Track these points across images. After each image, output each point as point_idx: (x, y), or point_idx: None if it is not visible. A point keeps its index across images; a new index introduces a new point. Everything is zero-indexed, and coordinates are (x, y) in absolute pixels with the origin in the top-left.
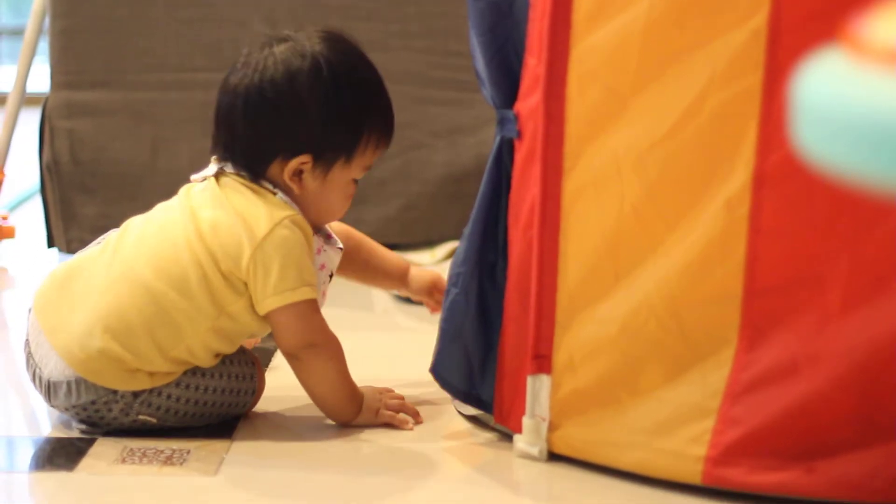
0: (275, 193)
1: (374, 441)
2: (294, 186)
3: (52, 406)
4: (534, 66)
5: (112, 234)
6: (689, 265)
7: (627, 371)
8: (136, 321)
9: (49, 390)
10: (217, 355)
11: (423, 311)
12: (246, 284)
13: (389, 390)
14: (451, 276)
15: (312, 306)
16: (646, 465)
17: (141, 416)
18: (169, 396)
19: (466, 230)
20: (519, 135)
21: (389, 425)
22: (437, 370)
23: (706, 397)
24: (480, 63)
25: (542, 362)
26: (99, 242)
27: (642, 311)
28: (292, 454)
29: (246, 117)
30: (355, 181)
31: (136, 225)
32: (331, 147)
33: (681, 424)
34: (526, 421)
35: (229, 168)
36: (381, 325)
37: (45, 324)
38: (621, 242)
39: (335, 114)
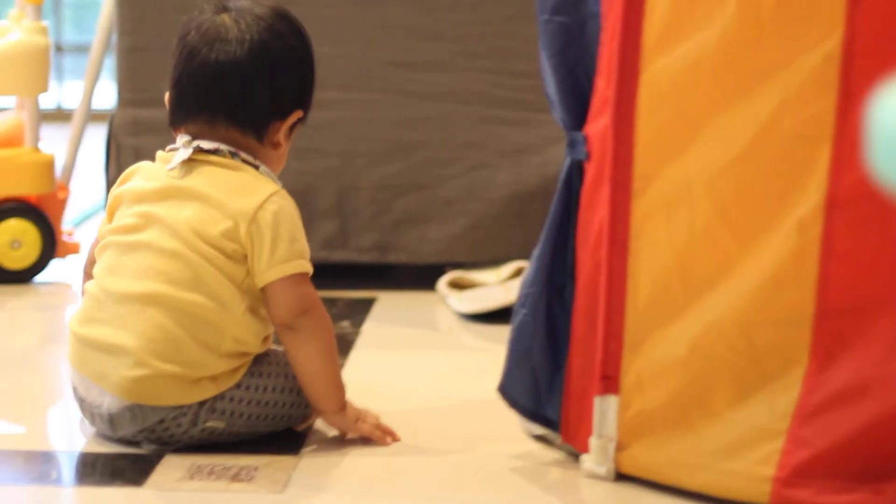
0: (257, 167)
1: (442, 458)
2: (284, 144)
3: (119, 437)
4: (603, 88)
5: (99, 269)
6: (761, 287)
7: (696, 392)
8: (180, 335)
9: (112, 423)
10: (265, 338)
11: (488, 330)
12: (246, 258)
13: (367, 411)
14: (519, 297)
15: (305, 278)
16: (714, 486)
17: (209, 424)
18: (231, 399)
19: (535, 251)
20: (588, 157)
21: (367, 439)
22: (506, 389)
23: (775, 419)
24: (551, 85)
25: (610, 383)
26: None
27: (712, 332)
28: (359, 472)
29: (253, 80)
30: None
31: (123, 249)
32: (308, 102)
33: (749, 445)
34: (593, 441)
35: (205, 144)
36: (446, 344)
37: (90, 374)
38: (692, 264)
39: (310, 68)
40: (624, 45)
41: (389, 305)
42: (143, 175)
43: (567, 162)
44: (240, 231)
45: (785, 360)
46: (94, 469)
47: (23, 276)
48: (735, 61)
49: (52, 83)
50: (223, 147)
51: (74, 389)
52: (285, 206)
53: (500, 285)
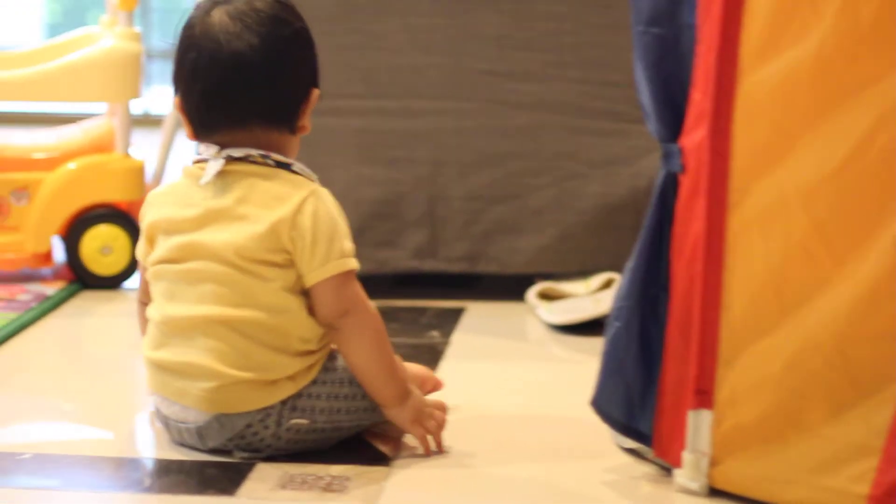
0: (289, 165)
1: (534, 471)
2: (308, 125)
3: (209, 449)
4: (699, 100)
5: (157, 290)
6: (857, 302)
7: (791, 407)
8: (248, 345)
9: (201, 436)
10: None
11: (578, 341)
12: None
13: (441, 405)
14: (613, 310)
15: (347, 277)
16: (807, 502)
17: (293, 421)
18: (310, 395)
19: (629, 263)
20: (683, 169)
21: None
22: (598, 403)
23: (870, 435)
24: (646, 96)
25: (704, 397)
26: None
27: (808, 347)
28: (450, 484)
29: (277, 71)
30: None
31: (175, 279)
32: (318, 79)
33: (844, 462)
34: (686, 456)
35: (235, 152)
36: (535, 355)
37: (170, 394)
38: (788, 278)
39: (314, 46)
40: (721, 57)
41: (478, 315)
42: (176, 200)
43: (662, 174)
44: (283, 239)
45: (881, 377)
46: (186, 478)
47: (113, 282)
48: (832, 74)
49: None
50: (253, 152)
51: (157, 411)
52: (321, 206)
53: (590, 296)
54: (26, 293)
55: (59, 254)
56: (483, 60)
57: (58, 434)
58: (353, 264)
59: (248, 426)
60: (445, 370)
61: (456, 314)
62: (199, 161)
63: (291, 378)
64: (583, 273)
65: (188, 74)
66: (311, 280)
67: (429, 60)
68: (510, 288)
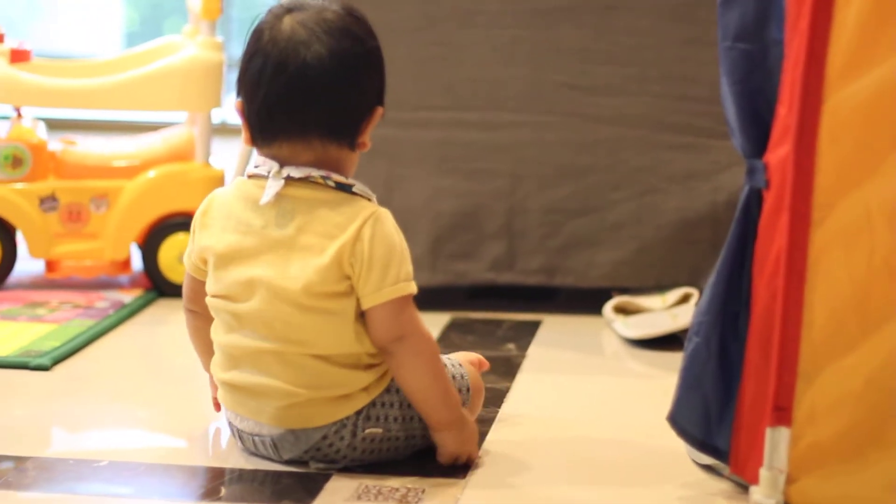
0: (350, 187)
1: (609, 489)
2: (368, 142)
3: (286, 461)
4: (785, 116)
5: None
6: None
7: (871, 426)
8: (320, 366)
9: (276, 448)
10: None
11: (654, 356)
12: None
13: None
14: (693, 325)
15: (403, 301)
16: None
17: (368, 430)
18: (383, 404)
19: (711, 279)
20: (767, 185)
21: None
22: (675, 418)
23: None
24: (731, 112)
25: (783, 414)
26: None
27: (889, 365)
28: (527, 499)
29: (343, 86)
30: None
31: (236, 317)
32: (383, 97)
33: None
34: (763, 473)
35: (295, 172)
36: (612, 370)
37: (245, 412)
38: (870, 296)
39: (383, 64)
40: (807, 73)
41: (555, 329)
42: (234, 225)
43: (746, 189)
44: (343, 266)
45: None
46: (261, 487)
47: None
48: None
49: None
50: (314, 173)
51: (230, 423)
52: (378, 229)
53: (666, 311)
54: (104, 300)
55: (136, 262)
56: (564, 74)
57: (133, 441)
58: (411, 289)
59: (324, 438)
60: (522, 383)
61: (532, 327)
62: (254, 175)
63: (365, 389)
64: (660, 288)
65: (252, 80)
66: (366, 303)
67: (510, 73)
68: (587, 302)
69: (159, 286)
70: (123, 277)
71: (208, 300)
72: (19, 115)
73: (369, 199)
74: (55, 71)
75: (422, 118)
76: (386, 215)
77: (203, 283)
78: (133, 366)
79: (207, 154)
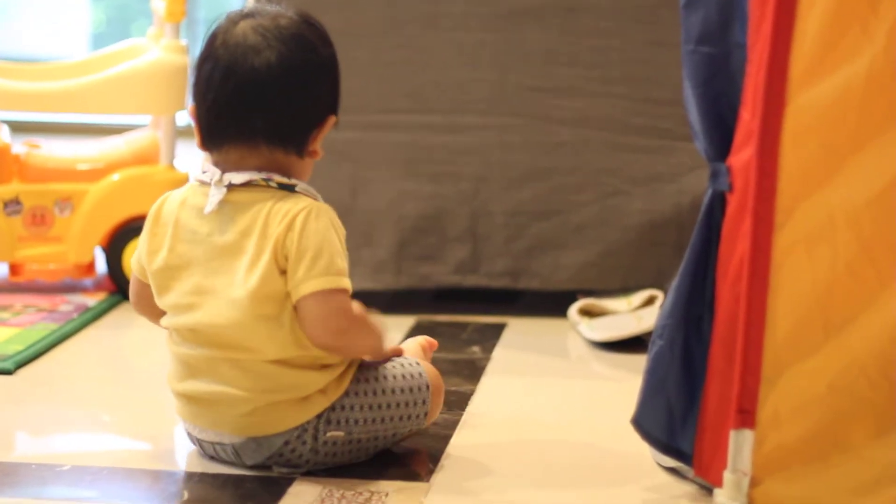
0: (293, 187)
1: (572, 492)
2: (320, 151)
3: (250, 466)
4: (748, 120)
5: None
6: None
7: (835, 429)
8: (274, 370)
9: (238, 455)
10: None
11: (619, 359)
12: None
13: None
14: (657, 328)
15: (333, 294)
16: None
17: (330, 434)
18: (343, 407)
19: (674, 282)
20: (731, 188)
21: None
22: (639, 421)
23: None
24: (694, 115)
25: (746, 417)
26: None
27: (852, 369)
28: (490, 501)
29: (290, 93)
30: None
31: (187, 330)
32: (338, 106)
33: (886, 485)
34: (727, 475)
35: (236, 178)
36: (577, 372)
37: (203, 424)
38: (833, 299)
39: (339, 71)
40: (770, 76)
41: (520, 331)
42: (182, 234)
43: (709, 193)
44: (279, 261)
45: None
46: (224, 491)
47: None
48: (882, 95)
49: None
50: (255, 177)
51: (189, 435)
52: (312, 221)
53: (632, 314)
54: (68, 304)
55: (101, 265)
56: (529, 76)
57: (96, 445)
58: (342, 283)
59: (286, 443)
60: (486, 386)
61: (497, 330)
62: (202, 182)
63: (323, 392)
64: (625, 290)
65: (202, 84)
66: (294, 296)
67: (475, 76)
68: (552, 304)
69: (123, 289)
70: (88, 281)
71: (165, 317)
72: None
73: (312, 198)
74: (17, 74)
75: (386, 121)
76: (324, 210)
77: (149, 286)
78: (97, 369)
79: (172, 157)
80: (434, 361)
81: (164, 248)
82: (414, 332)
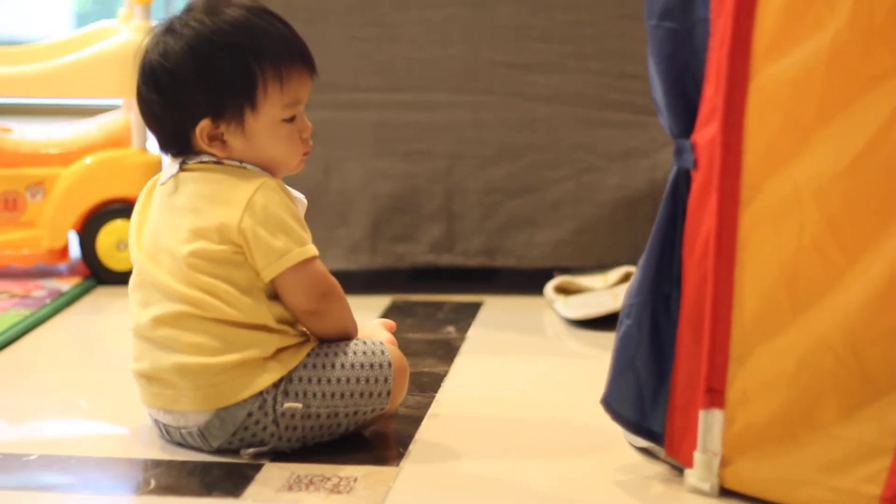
0: (242, 165)
1: (543, 471)
2: (216, 151)
3: (217, 449)
4: (712, 95)
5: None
6: (870, 300)
7: (803, 407)
8: (225, 331)
9: (204, 436)
10: None
11: (595, 336)
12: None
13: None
14: (624, 307)
15: (312, 262)
16: (819, 503)
17: (287, 405)
18: (301, 379)
19: (641, 261)
20: (695, 165)
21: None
22: (609, 402)
23: (883, 435)
24: (658, 91)
25: (715, 396)
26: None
27: (820, 346)
28: (459, 485)
29: (159, 103)
30: (290, 119)
31: (139, 286)
32: (225, 103)
33: (856, 463)
34: (697, 455)
35: (191, 160)
36: (552, 350)
37: (164, 405)
38: (800, 276)
39: (210, 73)
40: (733, 51)
41: (496, 310)
42: (144, 203)
43: (674, 170)
44: (232, 235)
45: (894, 376)
46: (192, 478)
47: (128, 278)
48: (846, 69)
49: None
50: (206, 158)
51: (155, 422)
52: (272, 196)
53: (608, 291)
54: (41, 289)
55: (75, 249)
56: (501, 52)
57: (66, 433)
58: (311, 251)
59: (249, 415)
60: (460, 366)
61: (473, 309)
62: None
63: (277, 359)
64: (601, 267)
65: None
66: (269, 274)
67: (446, 53)
68: (529, 282)
69: (98, 273)
70: (62, 265)
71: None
72: None
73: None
74: None
75: (358, 100)
76: (276, 184)
77: None
78: (69, 355)
79: (144, 139)
80: (409, 342)
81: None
82: (389, 311)
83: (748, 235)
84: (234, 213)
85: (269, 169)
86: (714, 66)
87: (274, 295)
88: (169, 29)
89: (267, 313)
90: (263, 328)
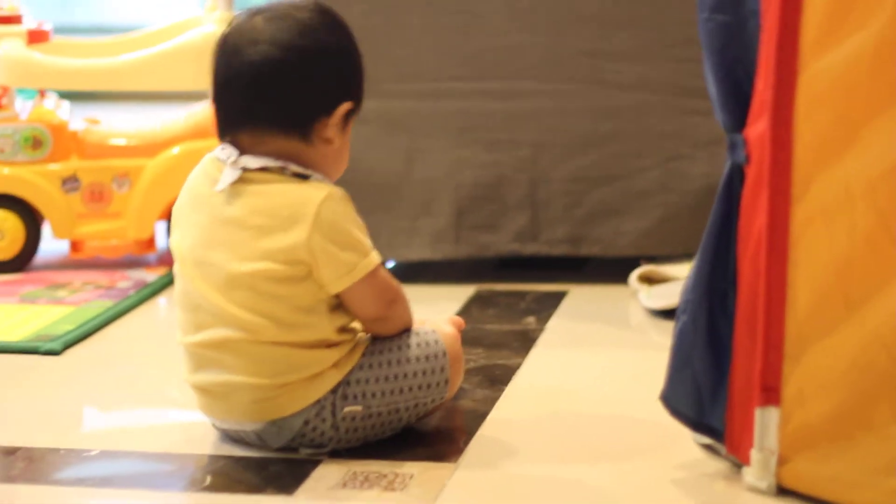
0: (307, 178)
1: (603, 470)
2: (338, 139)
3: (276, 449)
4: (762, 90)
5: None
6: None
7: (857, 406)
8: (281, 352)
9: (262, 440)
10: None
11: None
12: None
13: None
14: (680, 304)
15: (378, 270)
16: None
17: (347, 409)
18: (358, 381)
19: (696, 258)
20: (748, 160)
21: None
22: (668, 398)
23: None
24: (711, 85)
25: (771, 394)
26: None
27: (874, 344)
28: (517, 483)
29: (289, 79)
30: None
31: (188, 304)
32: (358, 94)
33: None
34: (754, 454)
35: (251, 162)
36: (631, 342)
37: (219, 415)
38: (852, 273)
39: (357, 60)
40: (781, 45)
41: (580, 300)
42: (192, 202)
43: (728, 165)
44: (298, 252)
45: None
46: (247, 475)
47: None
48: (893, 61)
49: None
50: (270, 163)
51: (213, 425)
52: (338, 209)
53: None
54: (127, 280)
55: (162, 240)
56: (584, 40)
57: (130, 428)
58: (376, 260)
59: (306, 423)
60: (535, 358)
61: (557, 299)
62: (218, 158)
63: (335, 366)
64: (687, 255)
65: (214, 74)
66: (346, 282)
67: (530, 41)
68: (616, 271)
69: None
70: (150, 256)
71: (175, 292)
72: (42, 94)
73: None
74: (74, 50)
75: (441, 89)
76: (337, 196)
77: None
78: (145, 348)
79: None
80: (487, 333)
81: (183, 228)
82: (473, 301)
83: (800, 232)
84: (301, 231)
85: (335, 174)
86: (764, 60)
87: (335, 305)
88: (318, 8)
89: (329, 327)
90: (323, 344)
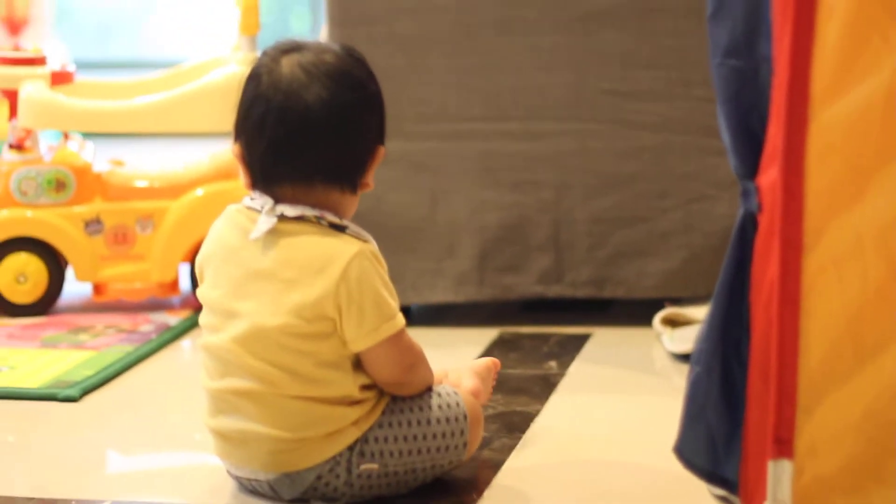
0: (343, 228)
1: None
2: (371, 182)
3: (289, 501)
4: (774, 136)
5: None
6: None
7: (871, 459)
8: (305, 408)
9: (275, 490)
10: None
11: None
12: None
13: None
14: (694, 353)
15: (401, 334)
16: None
17: (364, 467)
18: (377, 440)
19: (710, 306)
20: (760, 208)
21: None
22: (681, 450)
23: None
24: (725, 131)
25: (784, 447)
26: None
27: (886, 396)
28: None
29: (341, 133)
30: None
31: (215, 352)
32: (384, 136)
33: None
34: None
35: (289, 211)
36: (653, 388)
37: (236, 462)
38: (864, 323)
39: (383, 105)
40: (791, 92)
41: (603, 343)
42: (222, 253)
43: (741, 213)
44: (326, 308)
45: None
46: None
47: None
48: None
49: None
50: (308, 213)
51: (227, 471)
52: (367, 267)
53: None
54: (149, 323)
55: (185, 282)
56: (606, 80)
57: (144, 478)
58: (401, 323)
59: (319, 478)
60: (554, 404)
61: (580, 341)
62: (250, 208)
63: (355, 423)
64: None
65: (254, 126)
66: (368, 342)
67: (551, 80)
68: (641, 312)
69: None
70: (174, 298)
71: (201, 338)
72: (66, 136)
73: (365, 242)
74: (98, 91)
75: (463, 130)
76: (369, 252)
77: None
78: (164, 394)
79: None
80: (507, 378)
81: (209, 269)
82: (496, 344)
83: (812, 282)
84: (328, 285)
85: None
86: (776, 107)
87: (360, 362)
88: (349, 55)
89: (352, 384)
90: (346, 401)
